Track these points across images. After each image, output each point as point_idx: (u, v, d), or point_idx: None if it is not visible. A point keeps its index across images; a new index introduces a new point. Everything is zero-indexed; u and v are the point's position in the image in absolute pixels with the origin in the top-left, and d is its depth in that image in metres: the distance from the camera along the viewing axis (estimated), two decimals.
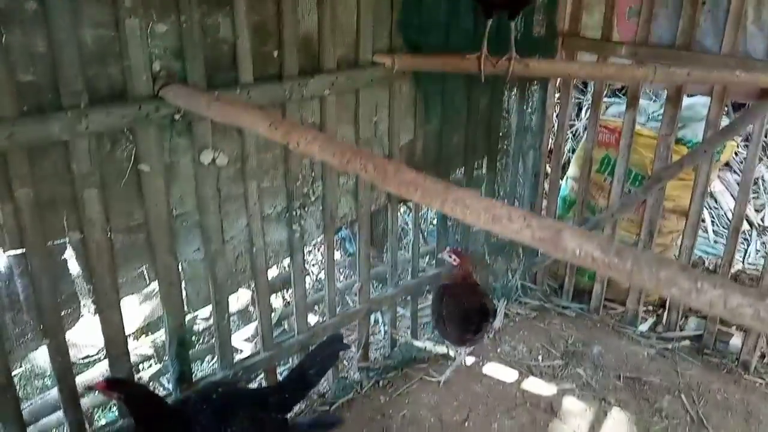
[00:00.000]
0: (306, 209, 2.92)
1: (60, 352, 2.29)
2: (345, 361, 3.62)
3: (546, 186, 4.30)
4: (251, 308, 4.25)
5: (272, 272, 5.46)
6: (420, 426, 3.14)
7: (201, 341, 4.07)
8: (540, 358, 3.70)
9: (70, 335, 2.35)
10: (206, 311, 4.06)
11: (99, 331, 2.39)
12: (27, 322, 2.21)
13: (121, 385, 2.27)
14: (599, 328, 4.01)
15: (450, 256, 3.30)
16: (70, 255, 2.26)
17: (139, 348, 3.68)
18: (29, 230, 2.06)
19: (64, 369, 2.33)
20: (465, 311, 3.18)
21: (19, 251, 2.08)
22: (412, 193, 1.44)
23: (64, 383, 2.35)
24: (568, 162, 4.80)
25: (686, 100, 3.58)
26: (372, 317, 4.08)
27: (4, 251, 2.08)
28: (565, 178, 4.44)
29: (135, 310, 3.82)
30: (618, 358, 3.69)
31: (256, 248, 2.76)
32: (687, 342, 3.82)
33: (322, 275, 4.47)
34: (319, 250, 4.89)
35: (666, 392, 3.40)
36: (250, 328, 4.02)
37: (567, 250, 1.20)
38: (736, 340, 3.72)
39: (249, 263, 2.79)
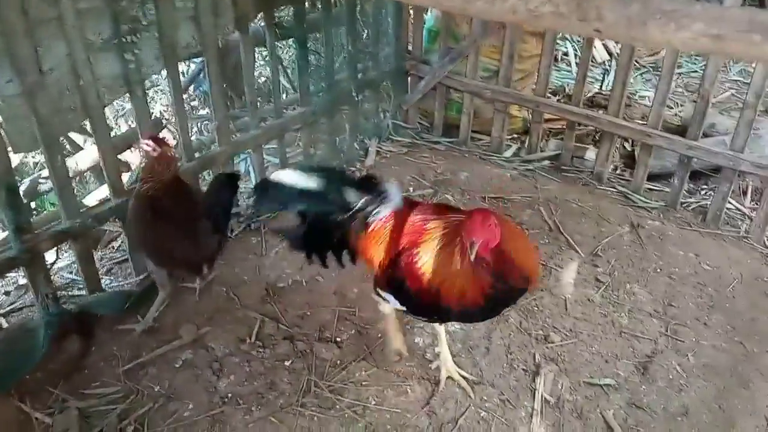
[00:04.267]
0: (139, 36, 2.62)
1: None
2: None
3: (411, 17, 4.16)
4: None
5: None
6: (295, 260, 3.14)
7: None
8: (411, 189, 3.76)
9: None
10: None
11: None
12: None
13: None
14: (467, 158, 4.12)
15: (147, 145, 2.47)
16: None
17: None
18: None
19: None
20: (189, 229, 2.53)
21: None
22: None
23: None
24: None
25: None
26: (243, 166, 3.95)
27: None
28: (429, 8, 4.30)
29: None
30: (483, 181, 3.83)
31: (85, 81, 2.47)
32: (547, 162, 4.02)
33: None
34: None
35: (527, 207, 3.59)
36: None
37: None
38: (591, 154, 3.95)
39: (79, 99, 2.50)
